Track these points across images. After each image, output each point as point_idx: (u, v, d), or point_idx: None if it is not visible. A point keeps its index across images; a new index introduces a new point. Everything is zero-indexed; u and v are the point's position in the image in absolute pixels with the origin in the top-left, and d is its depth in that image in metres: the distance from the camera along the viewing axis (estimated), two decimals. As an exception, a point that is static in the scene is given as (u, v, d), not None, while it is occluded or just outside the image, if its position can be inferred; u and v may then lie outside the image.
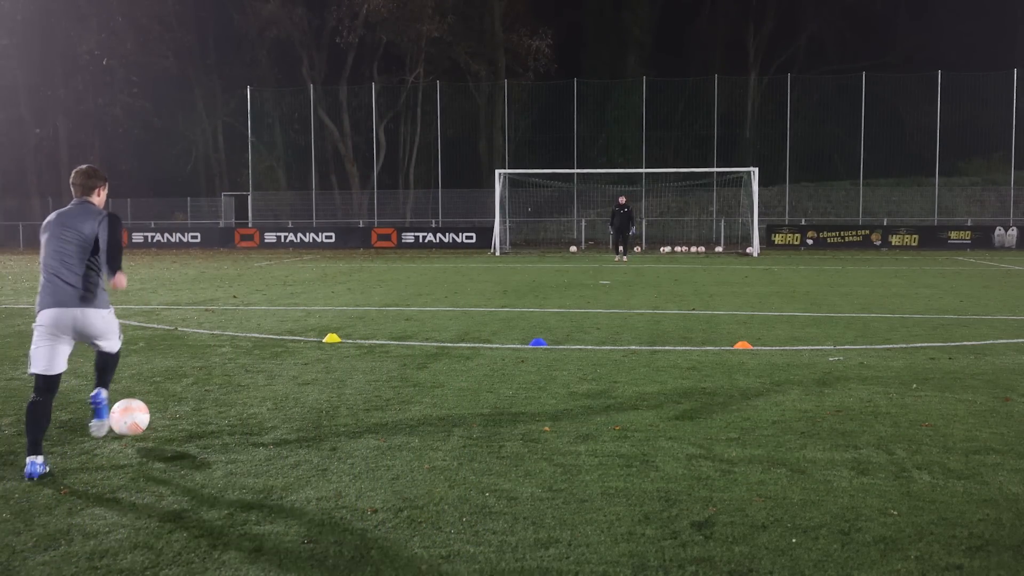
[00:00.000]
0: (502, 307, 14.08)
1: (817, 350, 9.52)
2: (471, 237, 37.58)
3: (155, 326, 11.83)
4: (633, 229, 29.47)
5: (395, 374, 8.20)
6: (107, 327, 5.72)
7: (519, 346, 9.88)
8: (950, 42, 43.73)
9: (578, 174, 38.84)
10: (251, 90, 43.40)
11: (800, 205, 41.10)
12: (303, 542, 4.10)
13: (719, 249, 34.66)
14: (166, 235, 40.41)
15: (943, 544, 4.06)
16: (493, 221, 34.43)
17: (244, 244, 39.24)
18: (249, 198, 43.84)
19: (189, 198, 46.19)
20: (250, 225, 41.96)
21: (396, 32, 43.38)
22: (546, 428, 6.13)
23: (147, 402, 7.10)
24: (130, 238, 40.64)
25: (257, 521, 4.37)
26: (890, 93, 40.73)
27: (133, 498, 4.73)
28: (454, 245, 37.57)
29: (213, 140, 49.21)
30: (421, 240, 38.04)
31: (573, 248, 35.76)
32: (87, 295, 5.48)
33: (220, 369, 8.53)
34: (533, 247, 38.29)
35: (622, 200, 29.19)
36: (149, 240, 40.37)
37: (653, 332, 10.99)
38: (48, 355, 5.44)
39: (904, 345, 9.84)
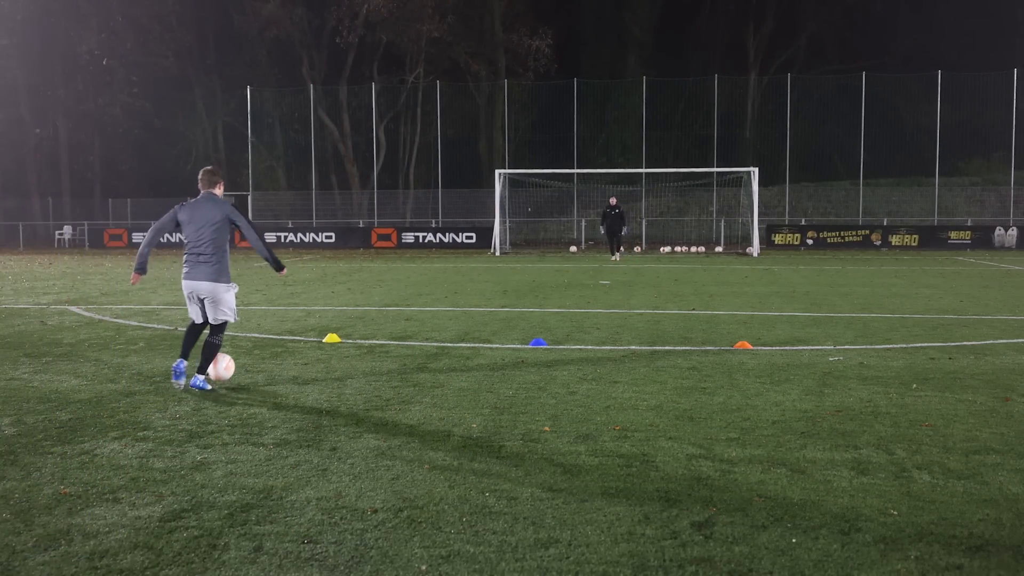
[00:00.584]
0: (502, 307, 14.08)
1: (817, 350, 9.52)
2: (471, 237, 37.59)
3: (155, 326, 11.83)
4: (626, 229, 29.35)
5: (395, 374, 8.20)
6: (226, 299, 7.49)
7: (519, 346, 9.88)
8: (950, 42, 43.75)
9: (578, 174, 38.85)
10: (251, 90, 43.40)
11: (800, 205, 41.10)
12: (303, 542, 4.10)
13: (719, 249, 34.66)
14: (166, 235, 40.31)
15: (943, 544, 4.06)
16: (493, 221, 34.43)
17: (244, 244, 39.18)
18: (249, 198, 43.84)
19: (189, 198, 46.11)
20: (250, 225, 41.89)
21: (396, 32, 43.39)
22: (546, 428, 6.13)
23: (147, 402, 7.11)
24: (130, 238, 40.63)
25: (257, 521, 4.37)
26: (890, 93, 40.74)
27: (133, 498, 4.73)
28: (454, 245, 37.57)
29: (213, 140, 49.21)
30: (421, 240, 38.04)
31: (573, 248, 35.76)
32: (221, 270, 7.39)
33: (220, 369, 8.52)
34: (533, 247, 38.29)
35: (613, 200, 29.14)
36: (149, 240, 40.29)
37: (653, 332, 10.99)
38: (195, 311, 7.56)
39: (904, 345, 9.84)
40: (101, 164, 49.79)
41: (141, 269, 7.63)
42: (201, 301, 7.46)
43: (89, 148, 49.38)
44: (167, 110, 48.21)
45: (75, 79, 46.55)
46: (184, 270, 7.41)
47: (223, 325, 7.57)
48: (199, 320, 7.54)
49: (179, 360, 7.53)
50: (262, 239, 7.52)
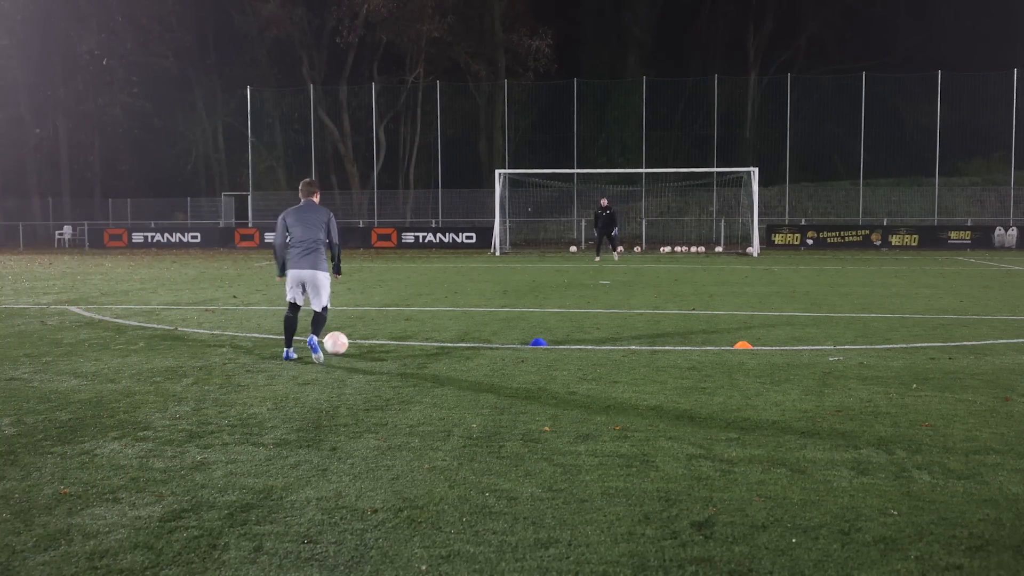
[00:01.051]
0: (502, 307, 14.08)
1: (817, 350, 9.52)
2: (471, 237, 37.59)
3: (155, 326, 11.83)
4: (616, 231, 29.14)
5: (395, 374, 8.20)
6: (325, 286, 9.05)
7: (519, 346, 9.88)
8: (950, 42, 43.76)
9: (578, 174, 38.84)
10: (251, 90, 43.40)
11: (800, 205, 41.11)
12: (303, 542, 4.10)
13: (719, 249, 34.66)
14: (166, 235, 40.41)
15: (943, 544, 4.06)
16: (493, 221, 34.43)
17: (244, 244, 39.25)
18: (249, 198, 43.85)
19: (189, 198, 46.20)
20: (250, 225, 41.97)
21: (396, 32, 43.39)
22: (546, 428, 6.13)
23: (147, 402, 7.11)
24: (130, 238, 40.63)
25: (257, 521, 4.37)
26: (890, 93, 40.74)
27: (133, 498, 4.72)
28: (454, 245, 37.57)
29: (213, 140, 49.22)
30: (421, 240, 38.05)
31: (573, 248, 35.76)
32: (319, 259, 8.98)
33: (220, 369, 8.53)
34: (533, 247, 38.30)
35: (604, 202, 28.97)
36: (149, 240, 40.37)
37: (653, 332, 10.99)
38: (294, 294, 9.06)
39: (904, 345, 9.84)
40: (101, 164, 49.79)
41: (283, 271, 9.18)
42: (302, 286, 9.04)
43: (89, 148, 49.37)
44: (167, 110, 48.21)
45: (75, 79, 46.55)
46: (290, 262, 8.99)
47: (325, 309, 9.12)
48: (299, 302, 9.11)
49: (286, 350, 9.07)
50: (339, 243, 9.33)
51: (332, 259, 9.28)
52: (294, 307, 9.08)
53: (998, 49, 42.77)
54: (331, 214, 9.18)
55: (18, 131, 46.77)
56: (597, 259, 28.30)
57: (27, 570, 3.84)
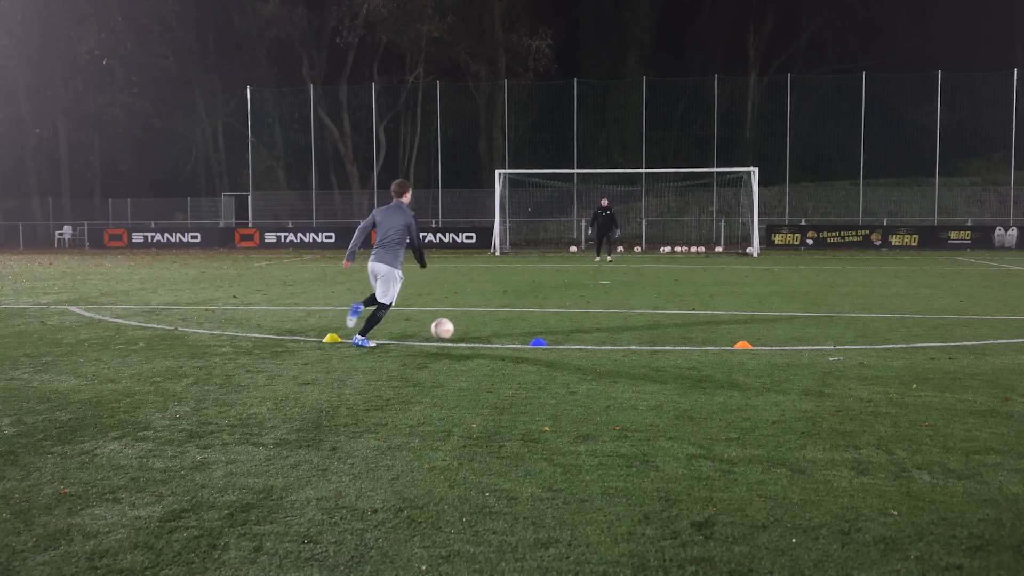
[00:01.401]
0: (502, 307, 14.08)
1: (817, 350, 9.52)
2: (471, 237, 37.58)
3: (155, 326, 11.83)
4: (618, 232, 28.79)
5: (395, 374, 8.20)
6: (393, 283, 9.88)
7: (519, 346, 9.88)
8: (950, 42, 43.77)
9: (578, 174, 38.83)
10: (251, 90, 43.39)
11: (800, 205, 41.11)
12: (303, 542, 4.10)
13: (719, 249, 34.66)
14: (166, 235, 40.41)
15: (943, 544, 4.06)
16: (493, 221, 34.43)
17: (244, 244, 39.24)
18: (249, 198, 43.84)
19: (189, 198, 46.20)
20: (250, 225, 41.96)
21: (396, 32, 43.39)
22: (546, 428, 6.13)
23: (147, 402, 7.11)
24: (130, 238, 40.63)
25: (257, 521, 4.37)
26: (890, 93, 40.74)
27: (133, 498, 4.73)
28: (454, 245, 37.56)
29: (213, 140, 49.21)
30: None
31: (573, 248, 35.76)
32: (394, 257, 9.86)
33: (220, 369, 8.53)
34: (533, 247, 38.29)
35: (604, 202, 28.51)
36: (149, 240, 40.37)
37: (653, 332, 10.99)
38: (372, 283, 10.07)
39: (904, 345, 9.84)
40: (101, 164, 49.78)
41: (351, 257, 10.30)
42: (375, 277, 9.91)
43: (89, 148, 49.37)
44: (167, 110, 48.21)
45: (75, 79, 46.54)
46: (372, 256, 10.03)
47: (386, 306, 9.93)
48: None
49: (358, 303, 10.22)
50: (420, 240, 10.19)
51: (416, 257, 10.44)
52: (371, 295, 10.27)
53: (998, 49, 42.79)
54: (413, 217, 10.07)
55: (18, 131, 46.77)
56: (597, 259, 28.17)
57: (27, 570, 3.84)
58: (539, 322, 12.05)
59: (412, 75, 45.46)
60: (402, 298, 15.55)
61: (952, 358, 8.94)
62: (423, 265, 10.72)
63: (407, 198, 10.08)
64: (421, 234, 42.59)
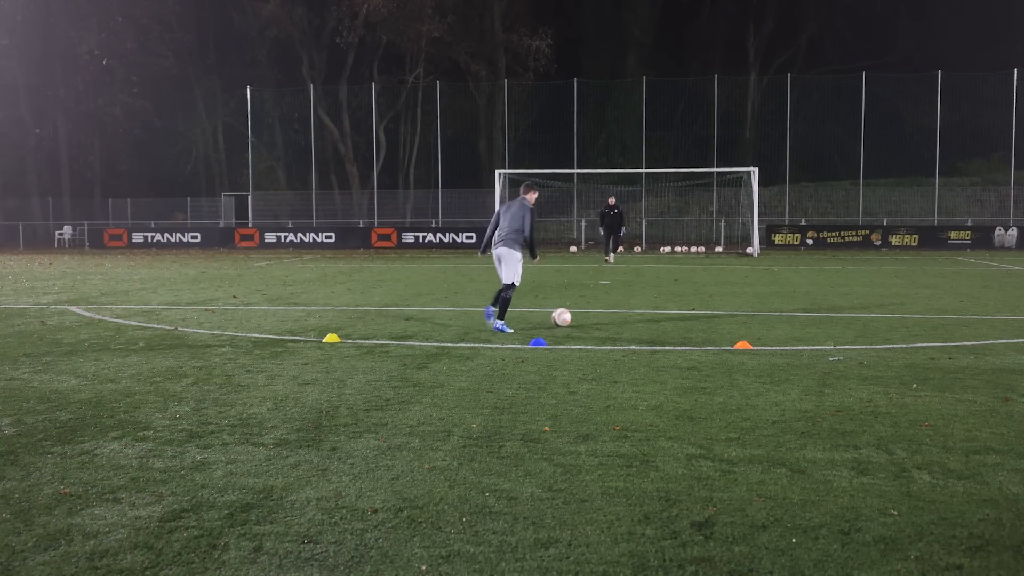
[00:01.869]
0: (502, 307, 14.06)
1: (817, 350, 9.52)
2: (471, 237, 37.58)
3: (155, 326, 11.83)
4: (624, 230, 28.76)
5: (395, 374, 8.19)
6: (514, 266, 11.04)
7: (519, 346, 9.88)
8: (950, 42, 43.77)
9: (578, 174, 38.84)
10: (251, 90, 43.40)
11: (800, 205, 41.11)
12: (303, 542, 4.10)
13: (719, 249, 34.66)
14: (166, 235, 40.41)
15: (943, 544, 4.06)
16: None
17: (244, 244, 39.25)
18: (249, 198, 43.84)
19: (189, 198, 46.21)
20: (250, 225, 41.97)
21: (396, 32, 43.39)
22: (546, 428, 6.13)
23: (147, 402, 7.11)
24: (130, 238, 40.64)
25: (257, 521, 4.37)
26: (890, 93, 40.75)
27: (133, 498, 4.73)
28: (454, 245, 37.57)
29: (213, 140, 49.21)
30: (421, 240, 38.06)
31: (573, 248, 35.75)
32: (515, 245, 11.07)
33: (220, 369, 8.53)
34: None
35: (612, 200, 28.58)
36: (149, 240, 40.38)
37: (653, 332, 10.99)
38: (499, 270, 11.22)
39: (904, 345, 9.84)
40: (101, 164, 49.78)
41: (484, 250, 11.80)
42: (499, 261, 11.08)
43: (89, 148, 49.36)
44: (167, 110, 48.20)
45: (75, 79, 46.54)
46: (494, 246, 11.22)
47: (511, 286, 11.01)
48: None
49: (489, 307, 11.35)
50: (534, 234, 11.24)
51: (528, 247, 11.28)
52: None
53: (998, 49, 42.79)
54: (529, 210, 11.18)
55: (18, 131, 46.76)
56: (607, 259, 27.87)
57: (27, 570, 3.84)
58: (539, 322, 12.05)
59: (412, 75, 45.46)
60: (401, 298, 15.57)
61: (952, 358, 8.94)
62: (533, 257, 11.58)
63: (531, 197, 11.35)
64: (420, 234, 42.27)
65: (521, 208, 11.15)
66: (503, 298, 10.98)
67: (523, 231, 11.05)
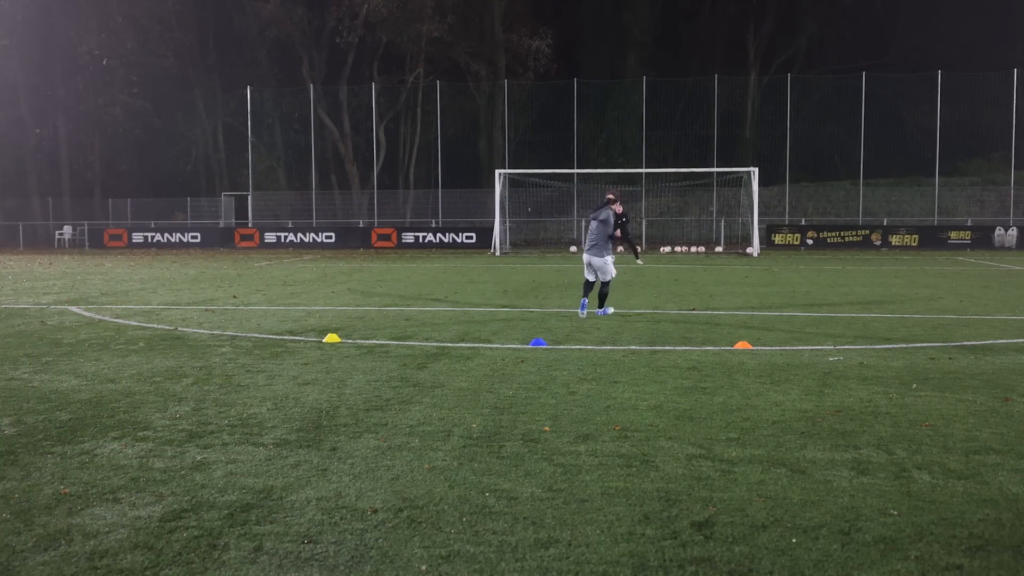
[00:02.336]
0: (502, 307, 14.08)
1: (817, 350, 9.52)
2: (471, 237, 37.58)
3: (155, 326, 11.83)
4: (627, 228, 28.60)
5: (395, 374, 8.19)
6: (604, 267, 12.63)
7: (519, 346, 9.88)
8: (950, 42, 43.75)
9: (578, 174, 38.83)
10: (251, 90, 43.39)
11: (800, 205, 41.10)
12: (303, 542, 4.10)
13: (719, 249, 34.66)
14: (166, 235, 40.41)
15: (943, 544, 4.06)
16: (493, 221, 34.43)
17: (244, 244, 39.25)
18: (249, 198, 43.84)
19: (189, 198, 46.20)
20: (250, 225, 41.97)
21: (396, 32, 43.37)
22: (546, 428, 6.13)
23: (147, 402, 7.11)
24: (130, 238, 40.64)
25: (257, 521, 4.37)
26: (890, 93, 40.74)
27: (133, 498, 4.73)
28: (454, 245, 37.57)
29: (213, 140, 49.20)
30: (421, 240, 38.05)
31: (573, 248, 35.76)
32: (600, 249, 12.61)
33: (220, 369, 8.53)
34: (533, 247, 38.29)
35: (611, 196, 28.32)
36: (149, 240, 40.38)
37: (653, 332, 10.99)
38: (587, 272, 12.86)
39: (904, 345, 9.84)
40: (101, 164, 49.77)
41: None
42: (590, 266, 12.65)
43: (89, 148, 49.35)
44: (167, 110, 48.19)
45: (75, 79, 46.53)
46: (585, 248, 12.82)
47: (609, 281, 12.81)
48: (592, 279, 12.77)
49: (583, 299, 12.71)
50: (630, 234, 12.80)
51: (629, 247, 13.59)
52: (588, 283, 12.85)
53: (998, 49, 42.78)
54: (611, 214, 12.67)
55: (18, 131, 46.75)
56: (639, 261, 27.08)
57: (27, 570, 3.84)
58: (539, 322, 12.05)
59: (412, 75, 45.44)
60: (401, 298, 15.58)
61: (952, 358, 8.94)
62: (636, 257, 14.25)
63: (616, 207, 12.98)
64: (420, 234, 42.21)
65: (604, 213, 12.70)
66: (604, 292, 12.79)
67: (607, 235, 12.65)
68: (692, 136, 42.64)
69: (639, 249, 26.73)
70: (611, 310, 13.05)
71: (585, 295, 12.83)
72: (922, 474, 5.08)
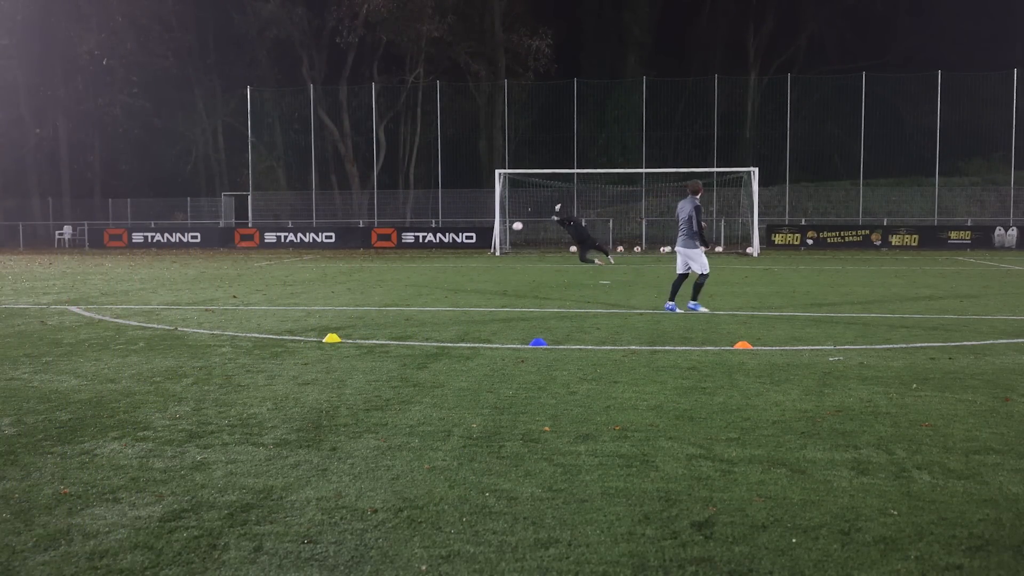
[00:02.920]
0: (502, 307, 14.08)
1: (817, 350, 9.52)
2: (471, 237, 37.58)
3: (155, 326, 11.83)
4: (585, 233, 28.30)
5: (395, 374, 8.19)
6: (696, 259, 12.83)
7: (519, 346, 9.88)
8: (950, 42, 43.73)
9: (578, 174, 38.82)
10: (251, 90, 43.38)
11: (800, 205, 41.10)
12: (303, 542, 4.10)
13: (719, 249, 34.66)
14: (166, 235, 40.41)
15: (943, 544, 4.06)
16: (493, 221, 34.42)
17: (244, 244, 39.24)
18: (249, 198, 43.84)
19: (189, 198, 46.19)
20: (250, 225, 41.96)
21: (396, 32, 43.36)
22: (546, 428, 6.13)
23: (147, 402, 7.11)
24: (130, 238, 40.63)
25: (257, 521, 4.37)
26: (890, 93, 40.74)
27: (133, 498, 4.73)
28: (454, 245, 37.57)
29: (213, 140, 49.19)
30: (421, 240, 38.05)
31: (573, 248, 35.73)
32: (689, 241, 12.88)
33: (220, 369, 8.53)
34: (533, 247, 38.29)
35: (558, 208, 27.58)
36: (149, 240, 40.38)
37: (653, 332, 10.99)
38: (679, 265, 13.16)
39: (904, 345, 9.84)
40: (101, 164, 49.76)
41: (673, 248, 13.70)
42: (686, 259, 12.89)
43: (89, 148, 49.34)
44: (167, 110, 48.18)
45: (75, 79, 46.51)
46: (677, 243, 13.13)
47: (705, 275, 12.89)
48: (682, 271, 13.04)
49: (669, 302, 13.02)
50: (699, 225, 12.89)
51: (699, 238, 12.94)
52: (680, 277, 13.09)
53: (998, 49, 42.77)
54: (694, 206, 12.84)
55: (18, 131, 46.73)
56: (611, 260, 27.08)
57: (27, 570, 3.84)
58: (539, 322, 12.05)
59: (412, 75, 45.43)
60: (401, 298, 15.57)
61: (952, 358, 8.94)
62: (704, 245, 13.06)
63: (697, 194, 13.09)
64: (420, 234, 42.24)
65: (688, 204, 12.88)
66: (699, 285, 12.96)
67: (693, 226, 12.79)
68: (692, 136, 42.64)
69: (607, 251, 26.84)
70: (703, 309, 13.00)
71: (672, 296, 13.01)
72: (922, 474, 5.08)
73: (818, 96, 41.73)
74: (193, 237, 40.35)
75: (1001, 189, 39.40)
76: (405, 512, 4.47)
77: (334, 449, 5.64)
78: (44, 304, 14.82)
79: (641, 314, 12.98)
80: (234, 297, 16.02)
